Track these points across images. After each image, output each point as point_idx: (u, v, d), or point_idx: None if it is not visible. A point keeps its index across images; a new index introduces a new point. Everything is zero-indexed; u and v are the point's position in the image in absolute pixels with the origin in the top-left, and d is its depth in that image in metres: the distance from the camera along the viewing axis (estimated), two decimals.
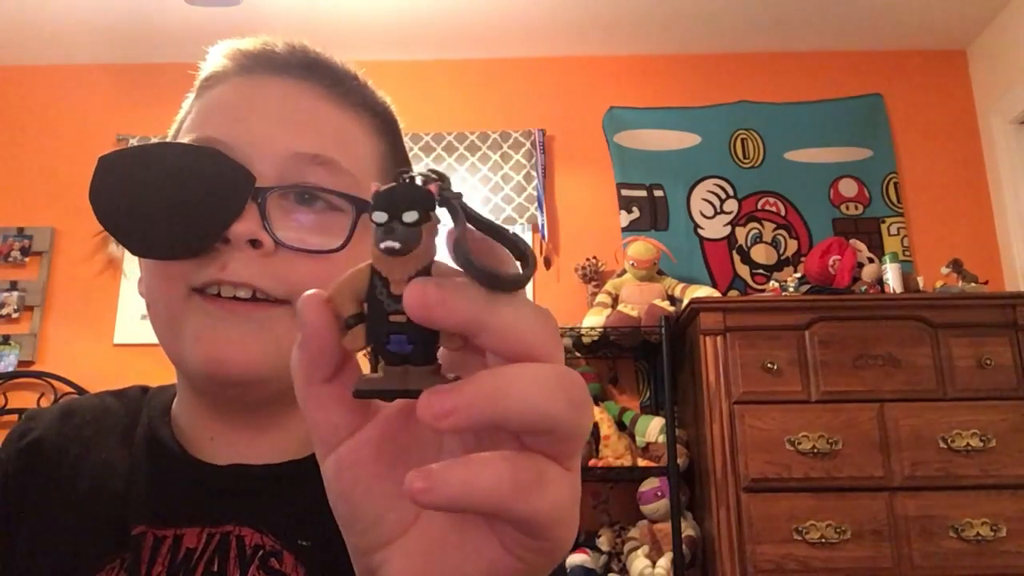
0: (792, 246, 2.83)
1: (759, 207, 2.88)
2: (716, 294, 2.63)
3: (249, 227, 0.49)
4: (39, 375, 2.73)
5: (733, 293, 2.74)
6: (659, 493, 2.27)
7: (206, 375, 0.51)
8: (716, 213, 2.87)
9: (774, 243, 2.84)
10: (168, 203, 0.50)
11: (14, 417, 2.68)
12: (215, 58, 0.59)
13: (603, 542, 2.33)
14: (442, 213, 0.26)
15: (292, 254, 0.50)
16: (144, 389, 0.65)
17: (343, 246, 0.51)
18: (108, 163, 0.52)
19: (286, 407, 0.56)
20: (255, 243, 0.50)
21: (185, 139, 0.55)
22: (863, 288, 2.37)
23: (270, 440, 0.56)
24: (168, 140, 0.60)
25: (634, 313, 2.48)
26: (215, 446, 0.56)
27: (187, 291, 0.51)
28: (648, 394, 2.67)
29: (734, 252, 2.83)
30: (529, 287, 2.85)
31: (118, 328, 2.84)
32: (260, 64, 0.57)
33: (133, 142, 2.98)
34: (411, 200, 0.25)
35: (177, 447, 0.56)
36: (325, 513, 0.52)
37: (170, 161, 0.52)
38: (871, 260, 2.44)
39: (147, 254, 0.52)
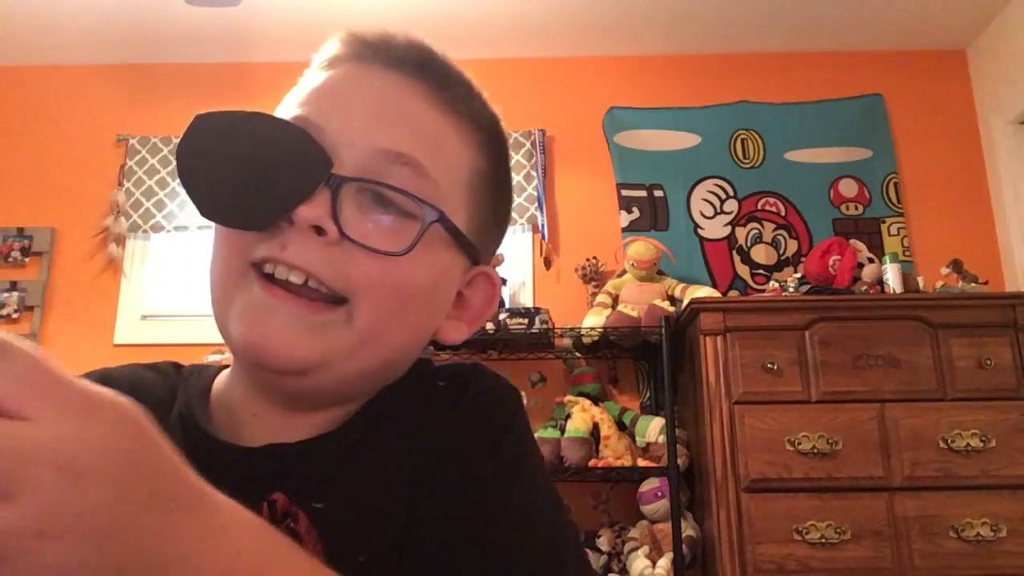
0: (792, 246, 2.83)
1: (759, 207, 2.88)
2: (716, 294, 2.63)
3: (316, 212, 0.48)
4: None
5: (733, 293, 2.74)
6: (659, 493, 2.27)
7: (244, 357, 0.51)
8: (716, 213, 2.87)
9: (774, 243, 2.84)
10: (244, 173, 0.50)
11: None
12: (333, 42, 0.60)
13: (603, 542, 2.33)
14: None
15: (355, 249, 0.49)
16: (176, 365, 0.64)
17: (407, 251, 0.50)
18: (202, 122, 0.51)
19: (327, 397, 0.55)
20: (320, 230, 0.49)
21: (286, 115, 0.54)
22: (863, 288, 2.37)
23: (306, 419, 0.55)
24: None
25: (634, 313, 2.48)
26: (256, 423, 0.55)
27: (245, 264, 0.50)
28: (648, 394, 2.67)
29: (734, 252, 2.83)
30: (529, 287, 2.86)
31: (118, 328, 2.84)
32: (375, 54, 0.57)
33: (133, 142, 2.98)
34: None
35: (212, 431, 0.55)
36: (340, 478, 0.52)
37: (257, 131, 0.51)
38: (871, 260, 2.44)
39: (212, 217, 0.51)
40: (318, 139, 0.51)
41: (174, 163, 2.97)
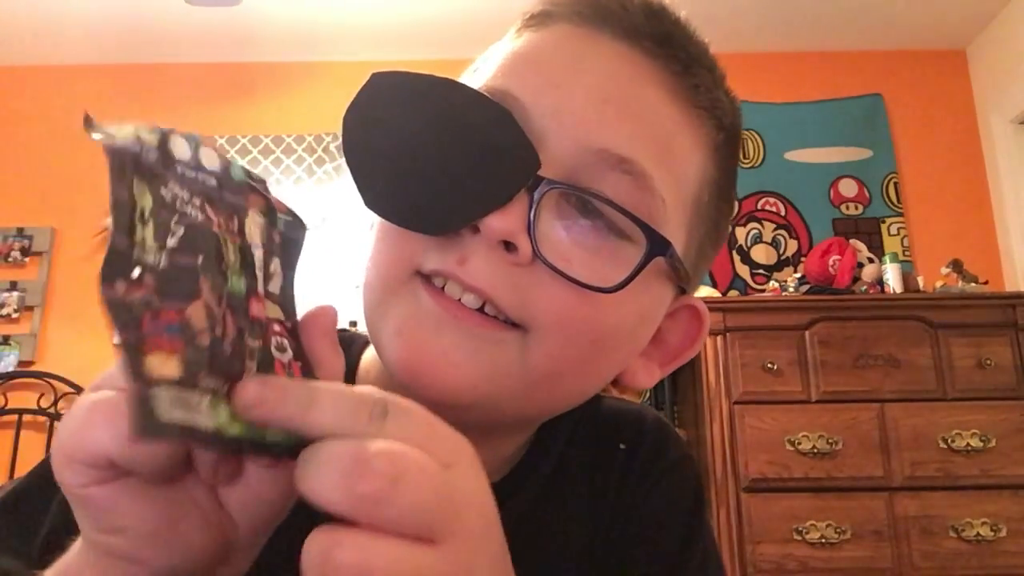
0: (792, 246, 2.83)
1: (759, 207, 2.88)
2: (716, 294, 2.63)
3: (509, 225, 0.38)
4: (39, 375, 2.72)
5: (733, 293, 2.74)
6: None
7: (401, 379, 0.41)
8: None
9: (774, 243, 2.84)
10: (428, 159, 0.40)
11: (14, 417, 2.68)
12: None
13: None
14: None
15: (548, 273, 0.39)
16: None
17: (616, 288, 0.39)
18: (380, 84, 0.41)
19: (490, 434, 0.47)
20: (509, 245, 0.39)
21: (481, 85, 0.43)
22: (863, 288, 2.37)
23: None
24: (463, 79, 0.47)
25: None
26: None
27: (411, 271, 0.41)
28: (648, 394, 2.67)
29: (734, 252, 2.83)
30: None
31: None
32: (604, 17, 0.44)
33: None
34: None
35: None
36: (511, 544, 0.46)
37: (451, 107, 0.40)
38: (871, 260, 2.44)
39: (379, 211, 0.41)
40: (522, 123, 0.40)
41: None
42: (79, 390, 2.68)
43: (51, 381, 2.72)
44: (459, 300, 0.40)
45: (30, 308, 2.85)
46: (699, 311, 0.48)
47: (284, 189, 2.93)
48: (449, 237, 0.39)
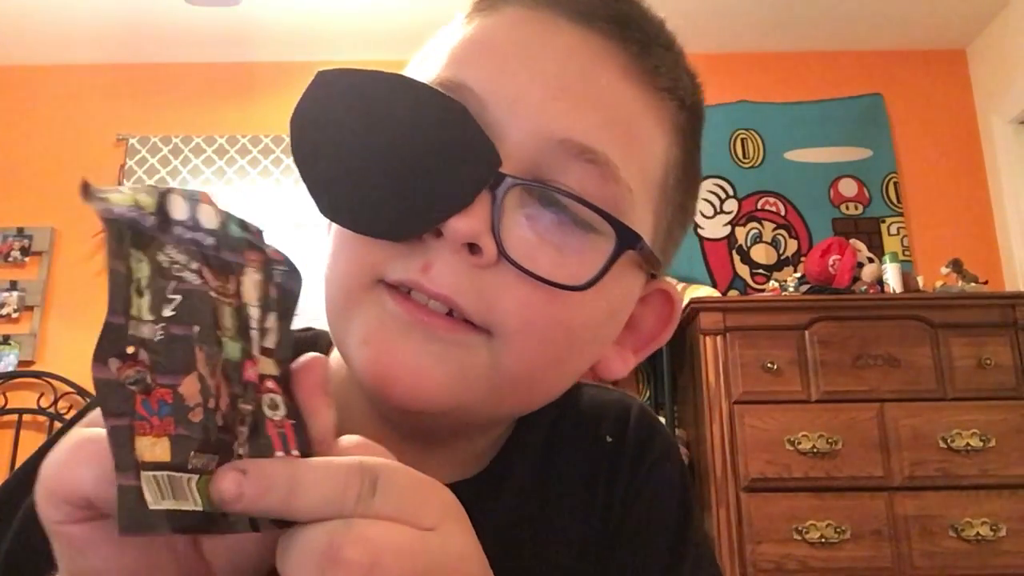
0: (792, 246, 2.83)
1: (759, 207, 2.88)
2: (716, 294, 2.63)
3: (472, 226, 0.37)
4: (39, 375, 2.73)
5: (733, 293, 2.74)
6: None
7: (369, 388, 0.40)
8: (716, 213, 2.87)
9: (774, 243, 2.84)
10: (383, 161, 0.38)
11: (14, 417, 2.68)
12: None
13: None
14: None
15: (514, 273, 0.38)
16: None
17: (587, 285, 0.38)
18: (327, 82, 0.39)
19: (460, 433, 0.46)
20: (473, 247, 0.38)
21: (432, 76, 0.42)
22: (863, 288, 2.36)
23: (437, 459, 0.46)
24: (412, 70, 0.45)
25: None
26: None
27: (374, 278, 0.39)
28: (648, 394, 2.67)
29: (734, 252, 2.83)
30: None
31: None
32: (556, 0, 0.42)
33: (133, 142, 2.97)
34: None
35: None
36: (497, 553, 0.42)
37: (404, 105, 0.39)
38: (871, 260, 2.44)
39: (335, 217, 0.39)
40: (479, 115, 0.38)
41: (174, 163, 2.97)
42: (79, 390, 2.68)
43: (51, 381, 2.72)
44: (426, 305, 0.38)
45: (30, 308, 2.85)
46: (670, 294, 0.47)
47: (284, 189, 2.94)
48: (411, 242, 0.38)
